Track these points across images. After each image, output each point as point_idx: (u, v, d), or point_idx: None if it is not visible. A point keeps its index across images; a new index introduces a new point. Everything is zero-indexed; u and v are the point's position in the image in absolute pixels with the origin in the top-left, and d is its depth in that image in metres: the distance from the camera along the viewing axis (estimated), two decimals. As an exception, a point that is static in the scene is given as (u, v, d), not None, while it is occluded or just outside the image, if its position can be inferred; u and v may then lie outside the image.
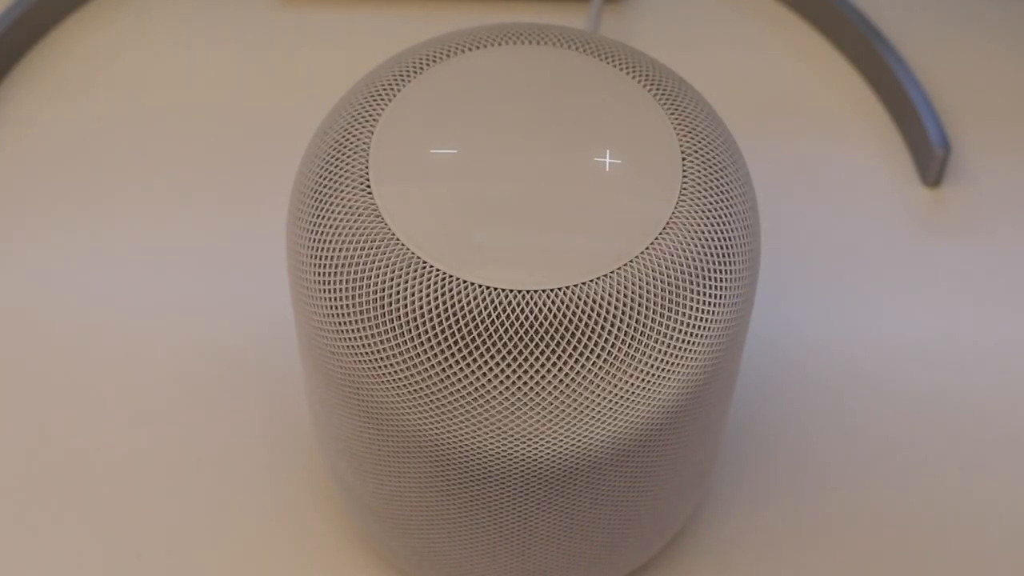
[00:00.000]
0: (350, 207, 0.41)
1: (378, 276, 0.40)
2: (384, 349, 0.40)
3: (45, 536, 0.55)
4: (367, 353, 0.41)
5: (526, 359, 0.39)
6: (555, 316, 0.39)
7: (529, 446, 0.41)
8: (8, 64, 0.69)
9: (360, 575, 0.55)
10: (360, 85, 0.45)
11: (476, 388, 0.40)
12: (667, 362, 0.41)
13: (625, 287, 0.40)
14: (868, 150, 0.67)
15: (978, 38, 0.72)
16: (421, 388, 0.40)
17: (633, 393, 0.41)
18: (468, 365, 0.40)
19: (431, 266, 0.40)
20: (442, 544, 0.48)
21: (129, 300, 0.62)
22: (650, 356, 0.40)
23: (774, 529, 0.56)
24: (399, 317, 0.40)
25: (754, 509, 0.56)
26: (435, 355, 0.40)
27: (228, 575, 0.55)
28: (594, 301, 0.39)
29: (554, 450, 0.42)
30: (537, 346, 0.39)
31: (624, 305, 0.39)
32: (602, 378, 0.40)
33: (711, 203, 0.42)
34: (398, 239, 0.40)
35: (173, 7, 0.72)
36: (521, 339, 0.39)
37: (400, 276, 0.40)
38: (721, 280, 0.41)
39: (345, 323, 0.41)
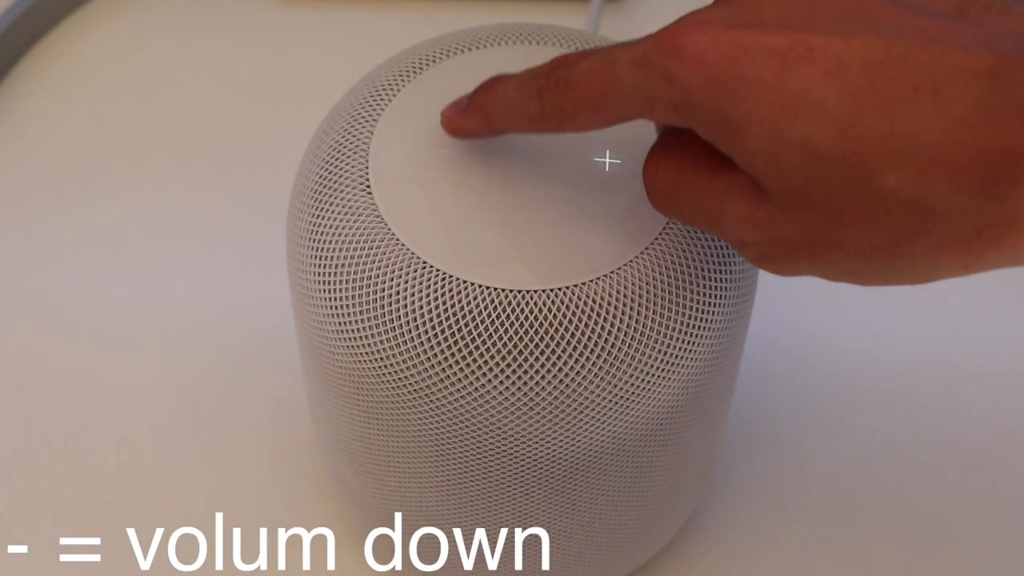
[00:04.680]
0: (350, 207, 0.41)
1: (378, 276, 0.40)
2: (384, 349, 0.40)
3: (44, 536, 0.55)
4: (367, 353, 0.41)
5: (526, 359, 0.39)
6: (555, 316, 0.39)
7: (529, 446, 0.41)
8: (8, 64, 0.70)
9: (360, 575, 0.55)
10: (360, 85, 0.45)
11: (476, 388, 0.40)
12: (667, 362, 0.41)
13: (625, 287, 0.40)
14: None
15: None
16: (421, 388, 0.40)
17: (633, 393, 0.41)
18: (468, 365, 0.40)
19: (431, 266, 0.40)
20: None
21: (128, 300, 0.62)
22: (650, 356, 0.40)
23: (774, 528, 0.56)
24: (399, 317, 0.40)
25: (755, 508, 0.56)
26: (435, 355, 0.40)
27: (228, 575, 0.55)
28: (594, 301, 0.39)
29: (554, 450, 0.42)
30: (537, 346, 0.39)
31: (624, 305, 0.39)
32: (602, 378, 0.40)
33: (711, 203, 0.41)
34: (398, 239, 0.40)
35: (173, 7, 0.72)
36: (521, 339, 0.39)
37: (400, 276, 0.40)
38: (721, 280, 0.41)
39: (345, 323, 0.41)
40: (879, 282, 0.35)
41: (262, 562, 0.55)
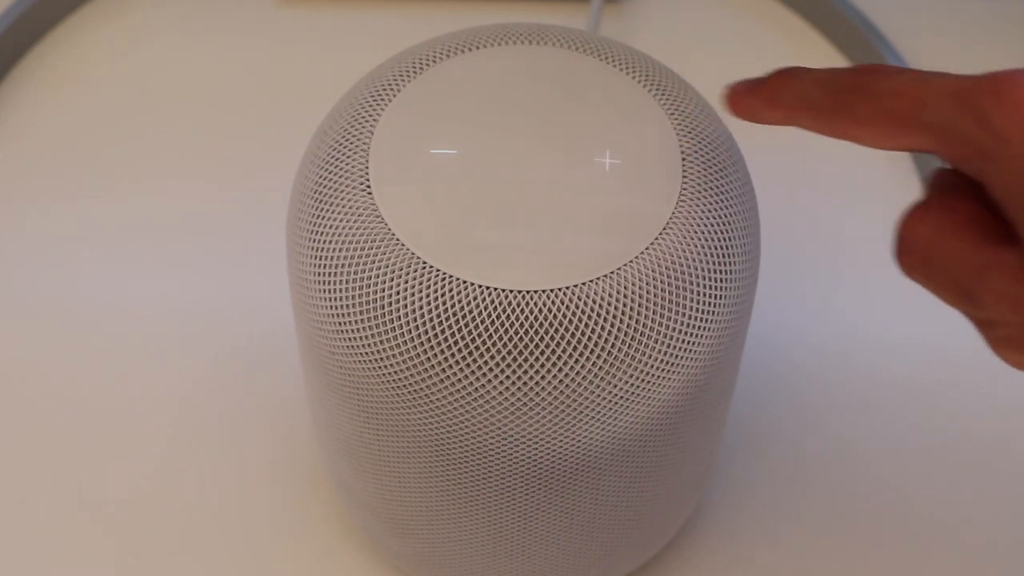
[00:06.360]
0: (350, 207, 0.41)
1: (378, 276, 0.40)
2: (384, 349, 0.40)
3: (44, 536, 0.55)
4: (367, 353, 0.41)
5: (526, 359, 0.39)
6: (555, 316, 0.39)
7: (529, 446, 0.41)
8: (8, 64, 0.69)
9: (360, 575, 0.55)
10: (360, 85, 0.45)
11: (476, 388, 0.40)
12: (667, 362, 0.41)
13: (625, 287, 0.40)
14: (868, 150, 0.67)
15: (977, 38, 0.72)
16: (421, 388, 0.40)
17: (633, 393, 0.41)
18: (468, 365, 0.40)
19: (431, 266, 0.39)
20: (442, 544, 0.48)
21: (128, 300, 0.62)
22: (650, 356, 0.40)
23: (773, 529, 0.56)
24: (399, 317, 0.40)
25: (753, 509, 0.56)
26: (435, 355, 0.40)
27: (229, 575, 0.55)
28: (594, 301, 0.39)
29: (554, 450, 0.42)
30: (537, 346, 0.39)
31: (624, 305, 0.39)
32: (602, 378, 0.40)
33: (711, 203, 0.41)
34: (398, 239, 0.40)
35: (173, 7, 0.72)
36: (521, 339, 0.39)
37: (400, 276, 0.40)
38: (721, 280, 0.41)
39: (345, 323, 0.41)
40: None
41: (262, 562, 0.55)
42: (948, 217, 0.34)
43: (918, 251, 0.35)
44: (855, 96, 0.35)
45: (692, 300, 0.41)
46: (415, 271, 0.40)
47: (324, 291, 0.41)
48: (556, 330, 0.39)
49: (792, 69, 0.38)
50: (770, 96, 0.38)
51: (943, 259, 0.34)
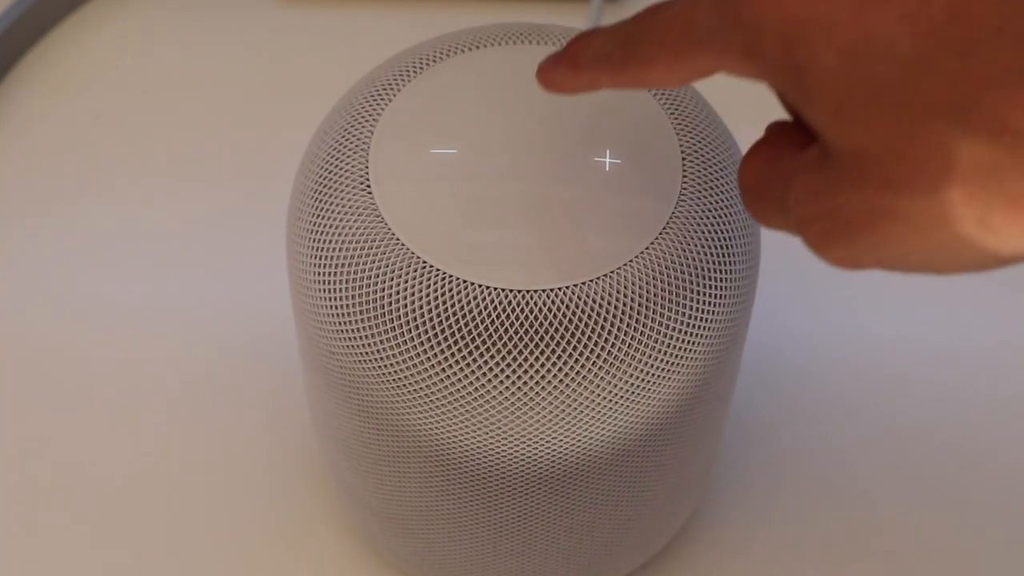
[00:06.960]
0: (350, 207, 0.41)
1: (378, 276, 0.40)
2: (384, 349, 0.40)
3: (44, 537, 0.55)
4: (367, 353, 0.41)
5: (526, 359, 0.39)
6: (555, 316, 0.39)
7: (529, 446, 0.41)
8: (8, 64, 0.70)
9: (360, 575, 0.55)
10: (360, 85, 0.45)
11: (476, 388, 0.40)
12: (667, 362, 0.41)
13: (625, 287, 0.40)
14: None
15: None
16: (421, 388, 0.40)
17: (633, 393, 0.41)
18: (468, 365, 0.40)
19: (431, 266, 0.40)
20: (442, 544, 0.48)
21: (128, 300, 0.62)
22: (650, 356, 0.40)
23: (773, 529, 0.56)
24: (399, 317, 0.40)
25: (753, 509, 0.56)
26: (435, 355, 0.40)
27: (228, 575, 0.55)
28: (594, 301, 0.39)
29: (554, 450, 0.42)
30: (537, 346, 0.39)
31: (624, 305, 0.39)
32: (602, 378, 0.40)
33: (711, 203, 0.42)
34: (398, 239, 0.40)
35: (173, 7, 0.72)
36: (521, 339, 0.39)
37: (400, 276, 0.40)
38: (721, 280, 0.41)
39: (345, 323, 0.41)
40: (939, 265, 0.31)
41: (262, 562, 0.55)
42: (776, 147, 0.33)
43: (749, 186, 0.33)
44: (638, 39, 0.33)
45: (692, 300, 0.41)
46: (415, 271, 0.40)
47: (324, 291, 0.41)
48: (556, 330, 0.39)
49: (588, 31, 0.36)
50: (572, 62, 0.36)
51: (770, 184, 0.33)
